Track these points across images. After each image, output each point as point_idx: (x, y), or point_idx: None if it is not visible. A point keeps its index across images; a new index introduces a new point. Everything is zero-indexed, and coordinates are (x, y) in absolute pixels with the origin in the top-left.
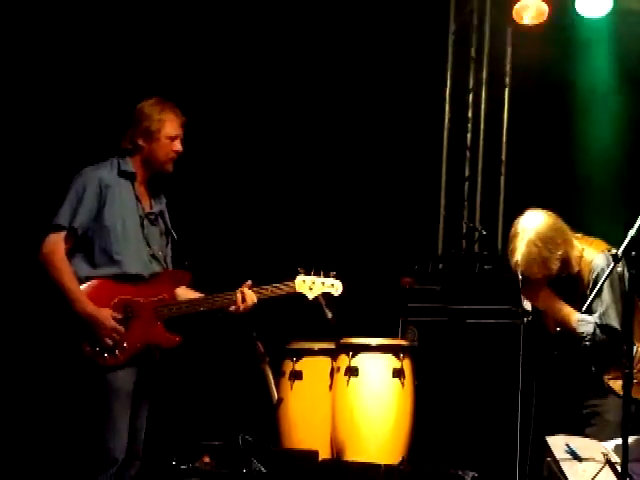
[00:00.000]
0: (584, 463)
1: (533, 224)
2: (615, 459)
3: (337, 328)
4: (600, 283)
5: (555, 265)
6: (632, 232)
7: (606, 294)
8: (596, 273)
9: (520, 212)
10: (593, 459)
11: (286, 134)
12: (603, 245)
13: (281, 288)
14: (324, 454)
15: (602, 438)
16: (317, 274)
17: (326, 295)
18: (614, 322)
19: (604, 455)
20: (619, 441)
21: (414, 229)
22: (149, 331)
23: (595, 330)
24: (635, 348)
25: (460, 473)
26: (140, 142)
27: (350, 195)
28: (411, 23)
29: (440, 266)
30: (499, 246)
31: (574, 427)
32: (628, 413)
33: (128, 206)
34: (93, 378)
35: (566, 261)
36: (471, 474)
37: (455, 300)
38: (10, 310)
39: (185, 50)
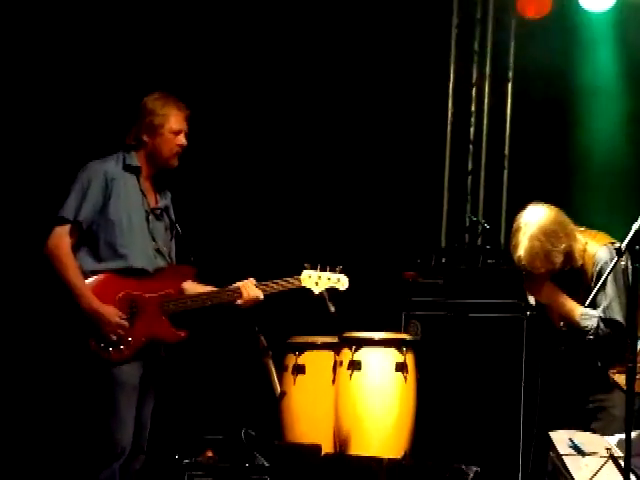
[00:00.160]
0: (587, 458)
1: (535, 218)
2: (618, 454)
3: (340, 322)
4: (604, 277)
5: (558, 259)
6: (636, 226)
7: (609, 288)
8: (599, 266)
9: (523, 206)
10: (596, 454)
11: (290, 129)
12: (606, 238)
13: (287, 283)
14: (327, 448)
15: (608, 433)
16: (323, 269)
17: (329, 289)
18: (618, 316)
19: (607, 450)
20: (622, 436)
21: (417, 223)
22: (154, 326)
23: (599, 324)
24: (639, 342)
25: (463, 468)
26: (144, 137)
27: (353, 189)
28: (414, 17)
29: (443, 260)
30: (502, 240)
31: (580, 422)
32: (631, 407)
33: (133, 200)
34: (99, 373)
35: (569, 255)
36: (474, 469)
37: (458, 294)
38: (17, 305)
39: (193, 45)
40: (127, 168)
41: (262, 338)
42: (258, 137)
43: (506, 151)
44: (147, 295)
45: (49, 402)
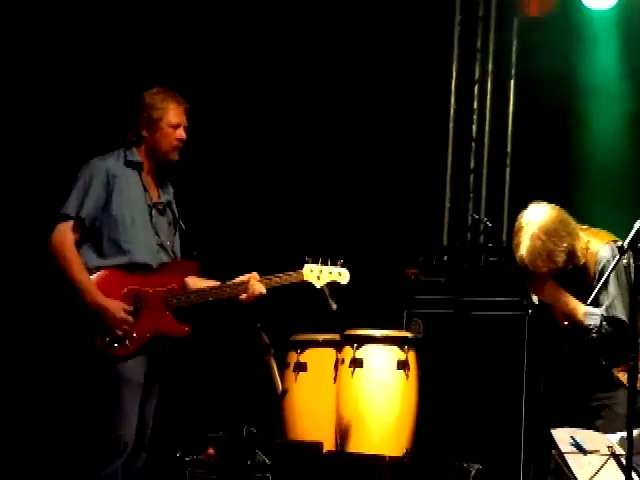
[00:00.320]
0: (589, 456)
1: (537, 217)
2: (620, 452)
3: (342, 319)
4: (606, 275)
5: (560, 258)
6: (638, 224)
7: (612, 286)
8: (602, 265)
9: (525, 204)
10: (598, 452)
11: (294, 126)
12: (609, 236)
13: (289, 277)
14: (328, 446)
15: (612, 431)
16: (324, 263)
17: (331, 286)
18: (620, 314)
19: (609, 448)
20: (624, 434)
21: (419, 221)
22: (158, 321)
23: (602, 323)
24: None
25: (465, 465)
26: (144, 132)
27: (356, 187)
28: (417, 15)
29: (445, 258)
30: (504, 238)
31: (583, 420)
32: (633, 405)
33: (135, 196)
34: (103, 368)
35: (571, 253)
36: (476, 466)
37: (460, 292)
38: (21, 301)
39: (194, 42)
40: (128, 164)
41: (264, 335)
42: (261, 132)
43: (508, 149)
44: (151, 290)
45: (53, 398)
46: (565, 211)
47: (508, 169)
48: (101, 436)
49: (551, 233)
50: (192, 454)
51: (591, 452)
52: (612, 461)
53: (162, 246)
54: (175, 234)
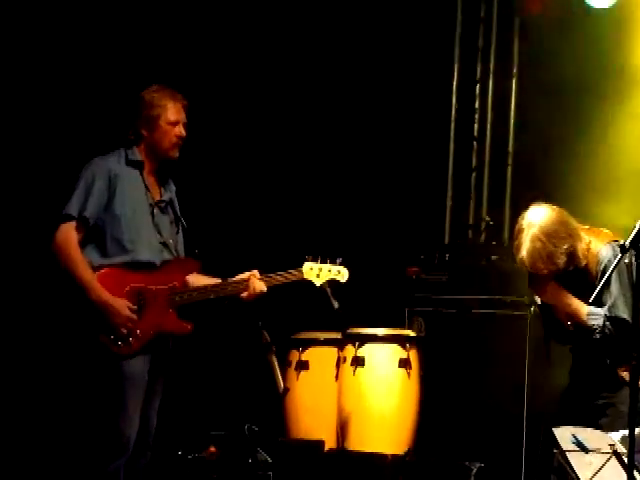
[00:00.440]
0: (591, 454)
1: (537, 219)
2: (622, 450)
3: (344, 318)
4: (607, 275)
5: (561, 259)
6: None
7: (614, 286)
8: (603, 265)
9: (527, 203)
10: (600, 450)
11: (295, 123)
12: (610, 236)
13: (289, 275)
14: (330, 444)
15: (616, 429)
16: (324, 261)
17: (332, 284)
18: (623, 314)
19: (611, 446)
20: (626, 432)
21: (421, 219)
22: (161, 318)
23: (605, 323)
24: None
25: (466, 464)
26: (143, 131)
27: (357, 185)
28: (419, 14)
29: (447, 256)
30: (506, 236)
31: (588, 418)
32: (635, 404)
33: (137, 195)
34: (108, 366)
35: (572, 255)
36: (477, 465)
37: (461, 290)
38: (26, 300)
39: (195, 42)
40: (129, 163)
41: (265, 334)
42: (263, 130)
43: (510, 148)
44: (154, 288)
45: (57, 396)
46: (566, 212)
47: (510, 168)
48: (104, 434)
49: (551, 235)
50: (194, 452)
51: (593, 451)
52: (614, 460)
53: (165, 244)
54: (177, 232)
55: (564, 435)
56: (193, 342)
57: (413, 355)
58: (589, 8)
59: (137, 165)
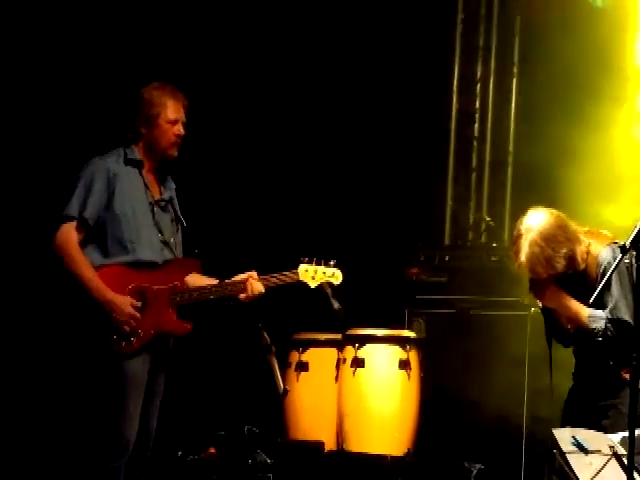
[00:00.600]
0: (590, 455)
1: (535, 224)
2: (622, 451)
3: (346, 319)
4: (607, 277)
5: (560, 263)
6: None
7: (614, 288)
8: (603, 267)
9: (527, 203)
10: (600, 452)
11: (294, 123)
12: (609, 238)
13: (285, 277)
14: (330, 445)
15: (618, 430)
16: (319, 263)
17: (332, 285)
18: (625, 315)
19: (611, 448)
20: (626, 433)
21: (421, 220)
22: (162, 318)
23: (606, 325)
24: None
25: (466, 465)
26: (142, 129)
27: (358, 186)
28: (419, 13)
29: (447, 258)
30: (506, 237)
31: (590, 420)
32: (635, 405)
33: (137, 194)
34: (108, 365)
35: (571, 259)
36: (477, 466)
37: (461, 292)
38: (27, 299)
39: (194, 41)
40: (128, 162)
41: (265, 335)
42: (261, 130)
43: (510, 148)
44: (155, 287)
45: (58, 394)
46: (564, 216)
47: (510, 168)
48: (104, 434)
49: (550, 239)
50: (193, 453)
51: (593, 452)
52: (614, 461)
53: (165, 243)
54: (177, 231)
55: (564, 436)
56: (193, 343)
57: (413, 356)
58: (590, 8)
59: (136, 164)
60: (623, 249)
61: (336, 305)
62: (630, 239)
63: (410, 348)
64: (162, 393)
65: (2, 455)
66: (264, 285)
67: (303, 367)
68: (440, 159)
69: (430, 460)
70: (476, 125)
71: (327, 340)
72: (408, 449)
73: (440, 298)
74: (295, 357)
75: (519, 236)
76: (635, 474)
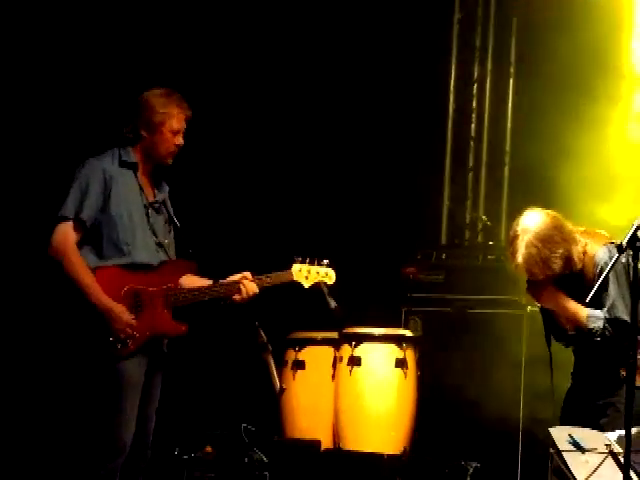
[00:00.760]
0: (587, 454)
1: (532, 225)
2: (618, 450)
3: (342, 317)
4: (603, 276)
5: (556, 265)
6: (637, 221)
7: (611, 287)
8: (600, 267)
9: (524, 203)
10: (596, 450)
11: (290, 124)
12: (606, 237)
13: (278, 277)
14: (326, 444)
15: (617, 428)
16: (312, 262)
17: (328, 284)
18: (623, 315)
19: (607, 446)
20: (622, 432)
21: (418, 219)
22: (157, 320)
23: (605, 325)
24: None
25: (463, 463)
26: (142, 132)
27: (355, 185)
28: (416, 13)
29: (443, 256)
30: (503, 236)
31: (589, 418)
32: (631, 403)
33: (132, 196)
34: (105, 368)
35: (568, 259)
36: (474, 464)
37: (458, 290)
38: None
39: (190, 41)
40: (123, 164)
41: (262, 333)
42: (257, 130)
43: (507, 147)
44: (150, 289)
45: (54, 397)
46: (560, 216)
47: (507, 168)
48: (101, 435)
49: (546, 240)
50: (190, 452)
51: (589, 450)
52: (610, 459)
53: (160, 245)
54: (170, 232)
55: (560, 435)
56: (189, 342)
57: (409, 355)
58: (586, 8)
59: (131, 166)
60: (620, 248)
61: (332, 304)
62: (626, 238)
63: (407, 347)
64: (159, 394)
65: (1, 455)
66: (258, 285)
67: (300, 365)
68: (437, 158)
69: (426, 458)
70: (473, 125)
71: (324, 339)
72: (405, 447)
73: (437, 297)
74: (292, 355)
75: (515, 237)
76: (631, 473)
